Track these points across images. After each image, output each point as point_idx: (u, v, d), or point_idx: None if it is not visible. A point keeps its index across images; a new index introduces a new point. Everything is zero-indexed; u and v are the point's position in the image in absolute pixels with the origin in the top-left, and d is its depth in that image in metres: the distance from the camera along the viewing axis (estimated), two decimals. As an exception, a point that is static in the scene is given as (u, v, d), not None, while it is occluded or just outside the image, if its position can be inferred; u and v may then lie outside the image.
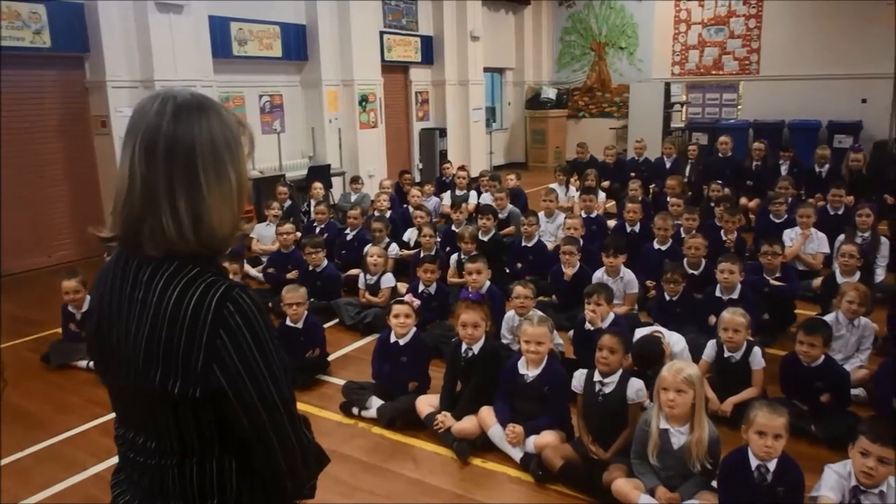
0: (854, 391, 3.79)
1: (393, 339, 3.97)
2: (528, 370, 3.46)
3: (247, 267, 6.61)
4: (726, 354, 3.81)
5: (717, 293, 4.62)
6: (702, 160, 9.55)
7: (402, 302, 4.09)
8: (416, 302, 4.18)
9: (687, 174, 9.22)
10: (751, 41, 12.65)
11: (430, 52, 12.26)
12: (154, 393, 1.12)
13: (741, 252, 5.81)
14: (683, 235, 5.74)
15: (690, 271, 5.14)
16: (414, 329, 4.01)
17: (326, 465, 1.35)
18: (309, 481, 1.28)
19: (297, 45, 9.77)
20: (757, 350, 3.78)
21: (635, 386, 3.22)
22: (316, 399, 4.17)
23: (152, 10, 7.52)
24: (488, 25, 13.26)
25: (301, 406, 3.99)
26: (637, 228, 6.48)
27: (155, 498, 1.21)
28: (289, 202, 8.04)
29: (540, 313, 3.94)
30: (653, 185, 9.08)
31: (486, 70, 13.32)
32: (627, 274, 5.13)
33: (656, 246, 5.76)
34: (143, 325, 1.12)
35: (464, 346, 3.71)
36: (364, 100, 10.41)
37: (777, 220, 6.54)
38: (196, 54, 8.08)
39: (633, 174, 9.09)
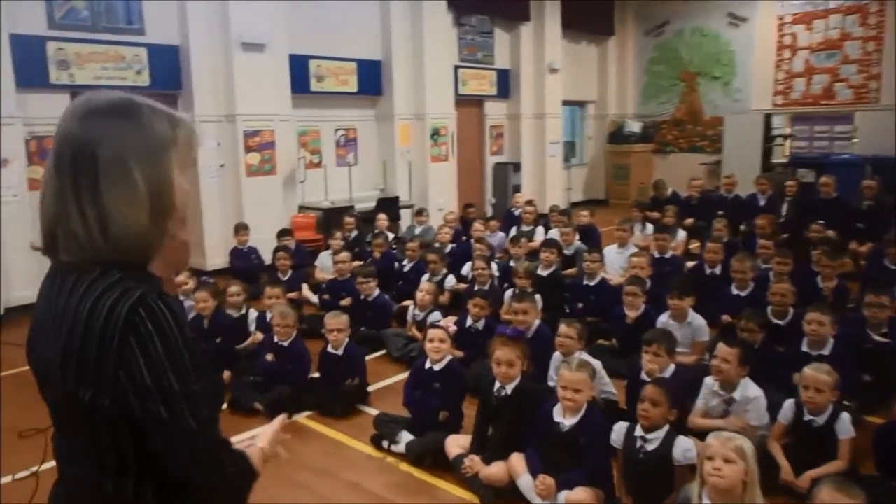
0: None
1: (428, 365, 3.90)
2: (565, 418, 3.18)
3: (307, 293, 6.73)
4: (806, 418, 3.26)
5: (804, 347, 4.01)
6: (802, 198, 8.66)
7: (438, 326, 4.02)
8: (452, 327, 4.10)
9: (784, 213, 8.38)
10: (869, 66, 11.51)
11: (506, 85, 12.08)
12: (71, 402, 1.10)
13: (842, 302, 5.15)
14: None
15: (775, 321, 4.55)
16: (449, 357, 3.93)
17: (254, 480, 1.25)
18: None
19: (372, 80, 9.85)
20: (845, 416, 3.18)
21: (683, 446, 2.92)
22: (349, 428, 4.07)
23: (237, 49, 7.83)
24: (568, 58, 12.95)
25: (333, 435, 3.96)
26: (718, 271, 5.88)
27: None
28: (355, 233, 8.16)
29: (582, 357, 3.61)
30: (743, 225, 8.29)
31: (565, 103, 12.96)
32: (696, 319, 4.58)
33: (734, 291, 5.18)
34: (63, 332, 1.09)
35: (497, 385, 3.50)
36: (436, 133, 10.31)
37: (893, 268, 5.75)
38: (276, 90, 8.38)
39: (719, 212, 8.34)
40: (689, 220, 8.58)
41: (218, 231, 7.96)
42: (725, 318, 4.90)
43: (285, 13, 8.43)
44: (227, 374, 4.66)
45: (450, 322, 4.13)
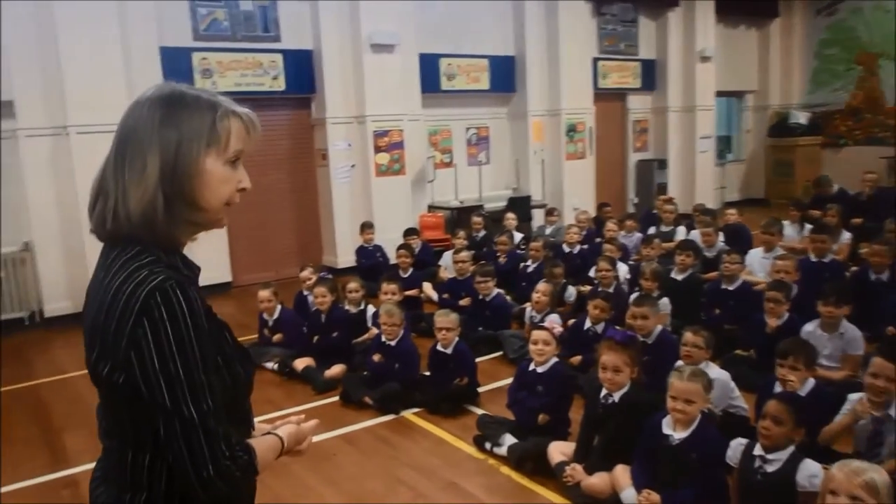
0: None
1: (531, 366, 3.81)
2: (675, 431, 2.95)
3: (430, 291, 6.75)
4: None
5: None
6: None
7: (542, 327, 3.87)
8: (558, 328, 3.91)
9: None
10: None
11: (651, 77, 11.41)
12: (94, 373, 1.17)
13: None
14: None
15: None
16: (555, 359, 3.80)
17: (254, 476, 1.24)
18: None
19: (505, 76, 9.71)
20: None
21: (809, 470, 2.65)
22: (455, 428, 4.04)
23: (367, 50, 8.01)
24: (724, 44, 11.98)
25: (437, 433, 3.95)
26: (885, 277, 5.08)
27: (100, 484, 1.25)
28: (483, 232, 8.08)
29: (698, 367, 3.26)
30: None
31: (719, 94, 11.97)
32: (850, 330, 4.02)
33: (902, 297, 4.40)
34: (95, 305, 1.16)
35: (603, 391, 3.31)
36: (572, 130, 9.95)
37: None
38: (405, 90, 8.44)
39: (897, 210, 7.24)
40: (858, 220, 7.53)
41: (348, 230, 8.18)
42: (891, 329, 4.20)
43: (414, 13, 8.48)
44: (341, 368, 4.77)
45: (554, 323, 3.91)
